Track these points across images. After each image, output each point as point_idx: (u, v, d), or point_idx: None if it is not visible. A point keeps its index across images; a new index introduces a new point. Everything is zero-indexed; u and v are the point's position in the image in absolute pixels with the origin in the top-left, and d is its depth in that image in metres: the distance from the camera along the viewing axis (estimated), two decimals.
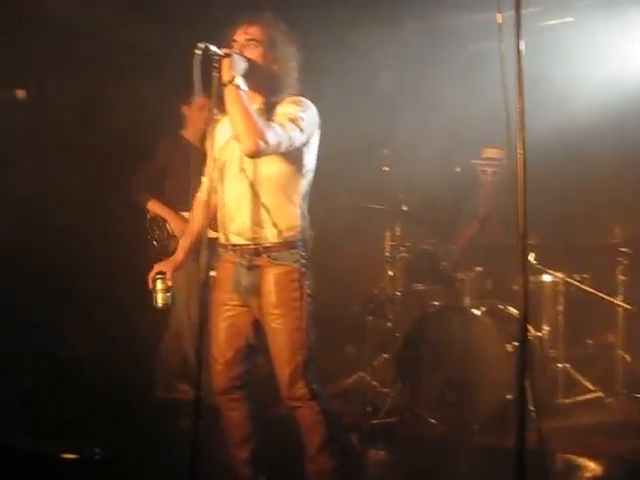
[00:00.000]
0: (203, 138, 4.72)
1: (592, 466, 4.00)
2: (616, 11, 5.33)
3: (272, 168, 3.02)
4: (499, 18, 2.22)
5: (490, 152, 5.14)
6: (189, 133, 5.03)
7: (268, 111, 3.02)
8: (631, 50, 5.47)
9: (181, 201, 4.69)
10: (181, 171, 4.77)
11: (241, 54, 2.93)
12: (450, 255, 4.99)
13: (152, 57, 5.52)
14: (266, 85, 3.05)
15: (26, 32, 4.85)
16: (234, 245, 3.09)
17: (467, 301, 4.77)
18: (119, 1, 5.30)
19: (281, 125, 2.91)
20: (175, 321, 4.87)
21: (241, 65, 2.87)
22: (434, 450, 4.28)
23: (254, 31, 3.02)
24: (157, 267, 3.26)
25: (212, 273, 3.18)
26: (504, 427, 4.08)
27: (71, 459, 3.83)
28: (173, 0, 5.37)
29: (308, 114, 3.03)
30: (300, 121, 2.96)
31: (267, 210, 3.03)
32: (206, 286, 2.70)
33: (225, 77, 2.81)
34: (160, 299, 3.18)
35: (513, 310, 4.71)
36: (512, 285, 4.74)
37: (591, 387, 4.96)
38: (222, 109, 2.89)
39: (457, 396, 4.51)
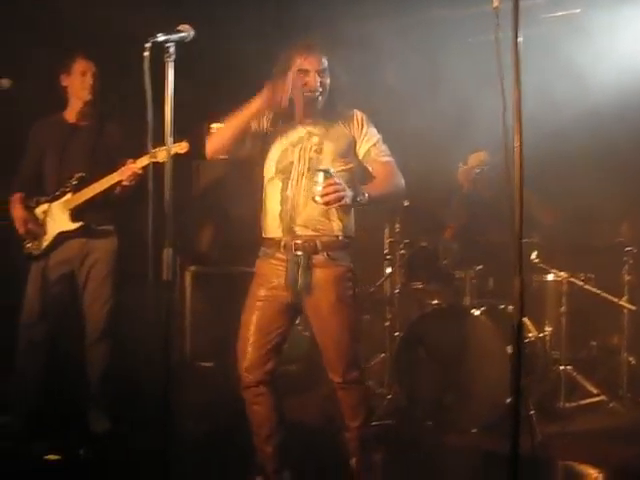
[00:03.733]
0: (89, 107, 4.29)
1: (594, 474, 3.85)
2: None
3: (344, 167, 3.22)
4: (495, 1, 2.21)
5: (477, 157, 5.00)
6: (72, 109, 4.32)
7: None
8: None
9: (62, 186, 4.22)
10: (63, 160, 4.25)
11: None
12: (450, 253, 4.85)
13: None
14: (325, 109, 3.26)
15: None
16: (294, 237, 3.15)
17: (467, 301, 4.62)
18: None
19: (390, 156, 3.34)
20: None
21: None
22: (430, 454, 4.15)
23: (324, 60, 3.20)
24: None
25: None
26: (503, 431, 3.93)
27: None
28: None
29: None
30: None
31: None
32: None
33: None
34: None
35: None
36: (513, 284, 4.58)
37: (594, 390, 4.80)
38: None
39: (455, 399, 4.38)
